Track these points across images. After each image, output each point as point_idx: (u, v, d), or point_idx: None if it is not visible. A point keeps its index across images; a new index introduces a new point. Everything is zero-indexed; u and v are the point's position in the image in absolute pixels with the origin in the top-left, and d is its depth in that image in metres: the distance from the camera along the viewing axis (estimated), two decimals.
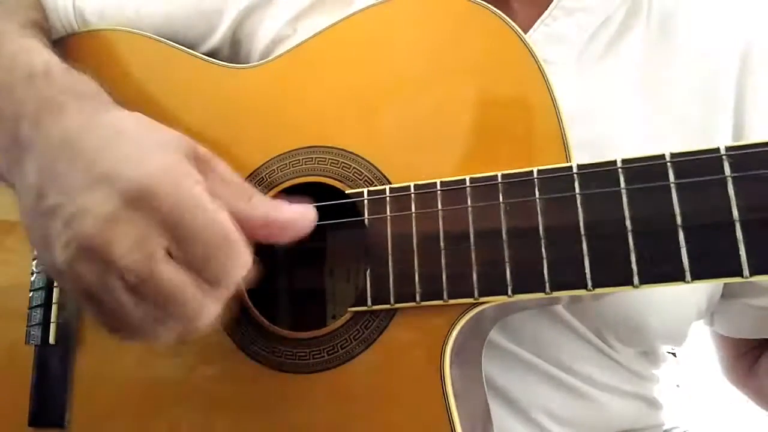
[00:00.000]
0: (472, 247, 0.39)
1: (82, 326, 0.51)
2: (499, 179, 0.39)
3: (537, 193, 0.38)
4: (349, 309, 0.42)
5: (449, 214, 0.40)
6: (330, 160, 0.45)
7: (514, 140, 0.41)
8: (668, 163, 0.36)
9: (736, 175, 0.34)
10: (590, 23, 0.50)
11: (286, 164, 0.47)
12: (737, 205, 0.34)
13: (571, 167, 0.38)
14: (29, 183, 0.37)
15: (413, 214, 0.41)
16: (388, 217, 0.41)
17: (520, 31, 0.42)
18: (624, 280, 0.36)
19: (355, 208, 0.43)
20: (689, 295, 0.50)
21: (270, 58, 0.51)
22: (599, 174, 0.37)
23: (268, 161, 0.47)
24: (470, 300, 0.39)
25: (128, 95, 0.53)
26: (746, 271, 0.33)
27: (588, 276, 0.36)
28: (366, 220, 0.42)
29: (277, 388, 0.43)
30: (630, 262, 0.35)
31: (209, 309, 0.35)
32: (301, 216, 0.40)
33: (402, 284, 0.40)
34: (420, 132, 0.43)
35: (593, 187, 0.37)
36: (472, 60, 0.43)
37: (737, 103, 0.49)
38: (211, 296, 0.35)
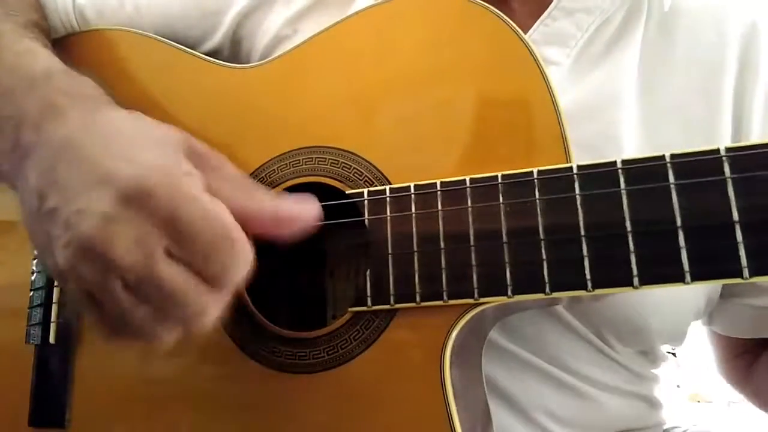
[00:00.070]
0: (472, 248, 0.39)
1: (83, 326, 0.52)
2: (499, 180, 0.39)
3: (537, 193, 0.38)
4: (349, 309, 0.42)
5: (449, 215, 0.40)
6: (330, 161, 0.45)
7: (514, 140, 0.41)
8: (668, 164, 0.36)
9: (736, 176, 0.34)
10: (590, 23, 0.50)
11: (286, 164, 0.47)
12: (737, 207, 0.34)
13: (571, 168, 0.38)
14: (30, 186, 0.37)
15: (413, 215, 0.41)
16: (388, 218, 0.41)
17: (519, 31, 0.42)
18: (624, 281, 0.36)
19: (355, 209, 0.43)
20: (689, 295, 0.50)
21: (270, 58, 0.51)
22: (599, 175, 0.37)
23: (268, 161, 0.47)
24: (470, 300, 0.39)
25: (128, 95, 0.53)
26: (746, 273, 0.33)
27: (588, 277, 0.36)
28: (366, 221, 0.42)
29: (277, 388, 0.43)
30: (630, 263, 0.35)
31: (210, 308, 0.35)
32: (306, 210, 0.39)
33: (402, 285, 0.40)
34: (420, 132, 0.43)
35: (593, 188, 0.37)
36: (473, 60, 0.43)
37: (736, 102, 0.49)
38: (212, 295, 0.35)
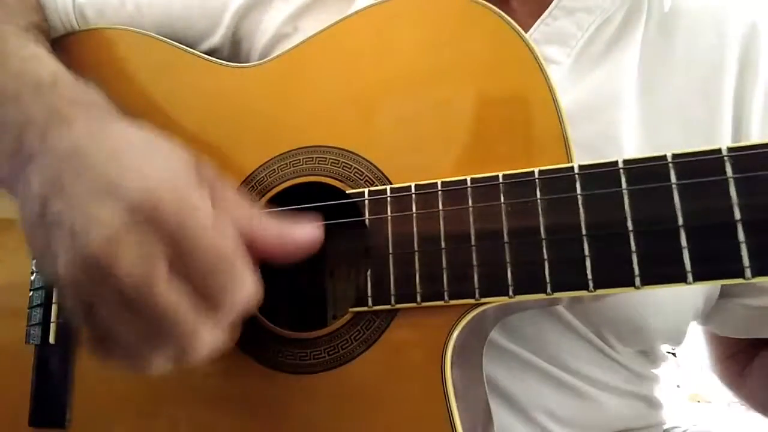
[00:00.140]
0: (473, 248, 0.39)
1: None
2: (500, 179, 0.39)
3: (538, 193, 0.38)
4: (350, 309, 0.42)
5: (450, 215, 0.40)
6: (330, 160, 0.45)
7: (515, 140, 0.41)
8: (670, 164, 0.35)
9: (738, 176, 0.34)
10: (590, 23, 0.50)
11: (286, 164, 0.47)
12: (739, 206, 0.34)
13: (572, 168, 0.38)
14: (33, 193, 0.37)
15: (414, 215, 0.41)
16: (389, 218, 0.41)
17: (520, 30, 0.42)
18: (625, 281, 0.35)
19: (355, 209, 0.43)
20: (688, 295, 0.50)
21: (270, 57, 0.50)
22: (601, 174, 0.37)
23: (268, 161, 0.47)
24: (471, 301, 0.39)
25: (128, 94, 0.53)
26: (748, 273, 0.33)
27: (589, 277, 0.36)
28: (367, 221, 0.42)
29: (278, 388, 0.43)
30: (631, 263, 0.35)
31: (204, 335, 0.34)
32: (309, 235, 0.39)
33: (403, 285, 0.40)
34: (421, 132, 0.43)
35: (595, 188, 0.37)
36: (473, 59, 0.43)
37: (736, 103, 0.49)
38: (208, 321, 0.34)
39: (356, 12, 0.47)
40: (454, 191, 0.40)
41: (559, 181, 0.38)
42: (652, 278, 0.35)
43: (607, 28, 0.50)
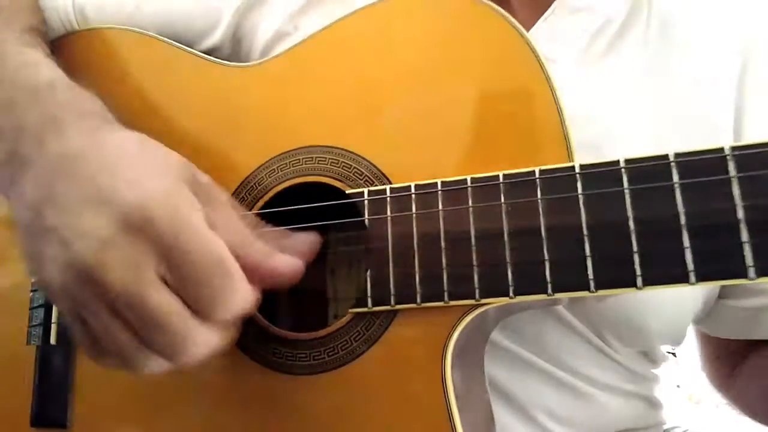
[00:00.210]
0: (474, 248, 0.38)
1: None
2: (501, 179, 0.39)
3: (539, 193, 0.38)
4: (350, 310, 0.42)
5: (450, 215, 0.39)
6: (330, 160, 0.45)
7: (516, 139, 0.40)
8: (672, 163, 0.35)
9: (741, 175, 0.34)
10: (592, 22, 0.50)
11: (286, 164, 0.46)
12: (743, 206, 0.33)
13: (573, 167, 0.37)
14: (27, 200, 0.37)
15: (414, 215, 0.40)
16: (389, 218, 0.41)
17: (521, 27, 0.41)
18: (627, 281, 0.35)
19: (355, 209, 0.42)
20: (689, 296, 0.50)
21: (269, 56, 0.50)
22: (602, 174, 0.36)
23: (267, 161, 0.47)
24: (471, 301, 0.38)
25: (128, 94, 0.53)
26: (752, 273, 0.33)
27: (591, 277, 0.36)
28: (366, 221, 0.42)
29: (278, 389, 0.43)
30: (633, 264, 0.35)
31: (197, 341, 0.34)
32: (288, 268, 0.39)
33: (402, 285, 0.40)
34: (421, 131, 0.43)
35: (596, 188, 0.36)
36: (474, 58, 0.43)
37: (738, 102, 0.49)
38: (200, 327, 0.34)
39: (356, 10, 0.47)
40: (454, 191, 0.40)
41: (559, 180, 0.37)
42: (654, 279, 0.35)
43: (608, 28, 0.50)
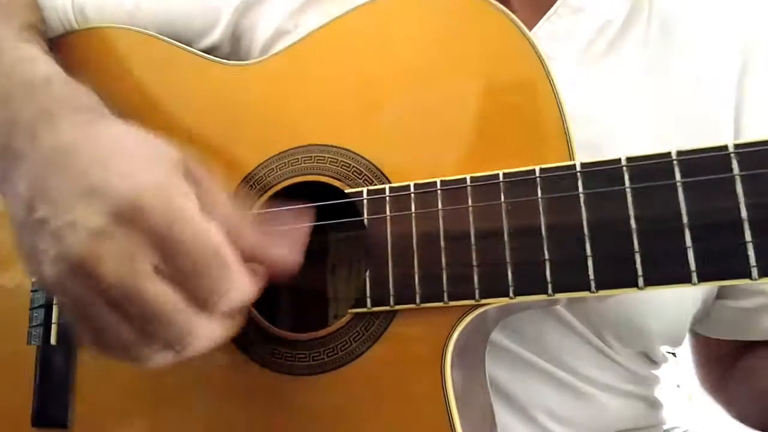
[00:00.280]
0: (473, 248, 0.38)
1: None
2: (501, 178, 0.38)
3: (539, 192, 0.37)
4: (349, 311, 0.41)
5: (450, 214, 0.39)
6: (329, 159, 0.44)
7: (516, 137, 0.40)
8: (674, 162, 0.35)
9: (744, 173, 0.33)
10: (594, 22, 0.50)
11: (284, 163, 0.46)
12: (746, 205, 0.33)
13: (574, 166, 0.37)
14: (19, 194, 0.37)
15: (413, 214, 0.40)
16: (388, 217, 0.41)
17: (521, 24, 0.41)
18: (628, 281, 0.35)
19: (354, 208, 0.42)
20: (689, 297, 0.50)
21: (268, 55, 0.50)
22: (603, 173, 0.36)
23: (266, 160, 0.47)
24: (471, 302, 0.38)
25: (127, 93, 0.53)
26: (755, 273, 0.32)
27: (591, 278, 0.35)
28: (365, 220, 0.41)
29: (277, 390, 0.43)
30: (635, 264, 0.34)
31: (198, 331, 0.34)
32: (283, 260, 0.39)
33: (402, 285, 0.39)
34: (420, 129, 0.42)
35: (597, 186, 0.36)
36: (473, 54, 0.42)
37: (738, 102, 0.49)
38: (201, 318, 0.34)
39: (355, 8, 0.46)
40: (454, 190, 0.39)
41: (560, 179, 0.37)
42: (656, 279, 0.34)
43: (609, 29, 0.50)
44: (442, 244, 0.39)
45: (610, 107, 0.48)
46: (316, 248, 0.51)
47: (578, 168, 0.37)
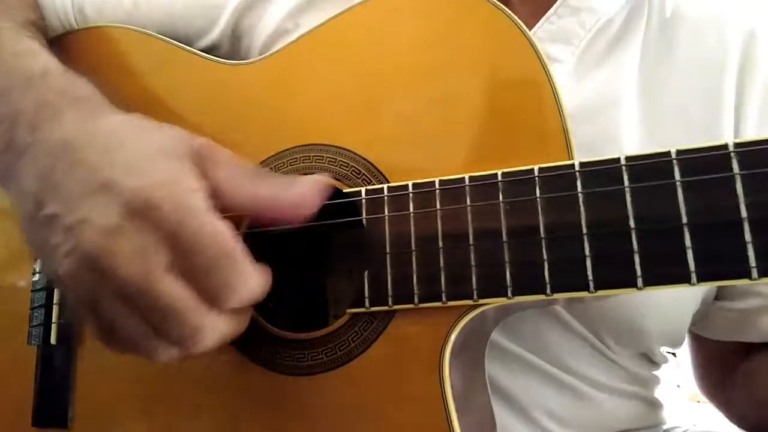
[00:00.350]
0: (471, 248, 0.38)
1: (84, 326, 0.51)
2: (499, 178, 0.38)
3: (538, 191, 0.37)
4: (347, 311, 0.41)
5: (448, 214, 0.39)
6: (328, 159, 0.44)
7: (515, 137, 0.40)
8: (674, 161, 0.34)
9: (745, 172, 0.33)
10: (594, 23, 0.49)
11: (283, 163, 0.46)
12: (746, 204, 0.32)
13: (573, 165, 0.37)
14: (27, 190, 0.37)
15: (411, 214, 0.40)
16: (386, 217, 0.40)
17: (520, 22, 0.41)
18: (627, 281, 0.34)
19: (353, 208, 0.42)
20: (688, 297, 0.50)
21: (267, 54, 0.50)
22: (602, 172, 0.36)
23: (265, 160, 0.47)
24: (469, 302, 0.38)
25: (126, 93, 0.53)
26: (755, 273, 0.32)
27: (590, 278, 0.35)
28: (364, 220, 0.41)
29: (276, 390, 0.43)
30: (634, 264, 0.34)
31: (209, 328, 0.34)
32: (307, 196, 0.39)
33: (400, 285, 0.39)
34: (419, 128, 0.42)
35: (596, 186, 0.36)
36: (473, 53, 0.42)
37: (738, 102, 0.49)
38: (211, 314, 0.34)
39: (353, 6, 0.46)
40: (452, 190, 0.39)
41: (559, 178, 0.37)
42: (655, 279, 0.34)
43: (609, 29, 0.50)
44: (441, 243, 0.39)
45: (610, 107, 0.48)
46: (315, 248, 0.51)
47: (577, 167, 0.36)
